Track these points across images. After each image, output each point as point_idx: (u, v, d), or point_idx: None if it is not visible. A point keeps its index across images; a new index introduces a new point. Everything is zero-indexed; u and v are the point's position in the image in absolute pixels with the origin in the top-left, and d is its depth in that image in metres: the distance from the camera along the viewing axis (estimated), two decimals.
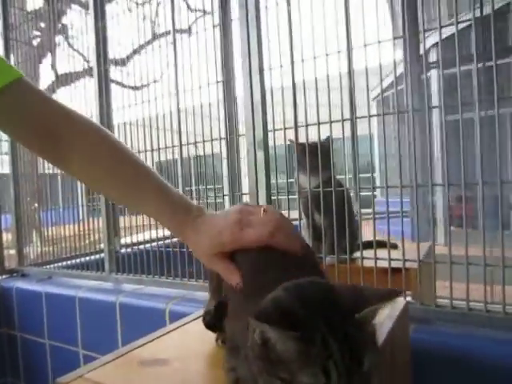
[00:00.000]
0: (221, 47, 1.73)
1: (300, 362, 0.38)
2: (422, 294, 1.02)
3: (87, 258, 1.78)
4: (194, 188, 1.68)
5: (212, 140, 1.40)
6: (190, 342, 0.74)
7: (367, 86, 1.10)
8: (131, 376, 0.63)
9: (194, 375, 0.63)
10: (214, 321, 0.68)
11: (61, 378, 0.62)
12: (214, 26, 1.51)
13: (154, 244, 1.53)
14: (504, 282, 0.91)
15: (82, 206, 1.88)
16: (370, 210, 1.11)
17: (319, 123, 1.12)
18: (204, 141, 1.41)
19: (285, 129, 1.17)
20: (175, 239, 1.45)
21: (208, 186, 1.56)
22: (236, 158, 1.57)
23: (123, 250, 1.63)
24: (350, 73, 1.12)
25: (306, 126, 1.15)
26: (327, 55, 1.12)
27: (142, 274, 1.49)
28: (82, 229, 1.83)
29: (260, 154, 1.19)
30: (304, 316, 0.39)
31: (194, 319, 0.83)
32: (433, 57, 2.59)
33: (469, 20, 0.98)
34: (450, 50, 1.06)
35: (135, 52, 1.78)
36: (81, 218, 1.88)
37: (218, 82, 1.43)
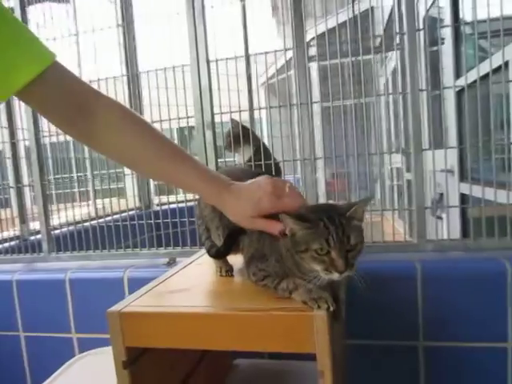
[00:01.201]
0: (124, 44, 1.86)
1: (311, 238, 0.65)
2: None
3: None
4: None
5: None
6: (201, 274, 0.93)
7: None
8: (165, 300, 0.80)
9: (213, 293, 0.83)
10: (222, 250, 0.88)
11: (112, 307, 0.76)
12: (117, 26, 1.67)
13: (95, 221, 1.61)
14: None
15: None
16: None
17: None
18: None
19: (231, 112, 1.39)
20: (124, 214, 1.55)
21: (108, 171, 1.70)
22: None
23: (64, 230, 1.65)
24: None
25: (251, 109, 1.38)
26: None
27: (88, 250, 1.56)
28: None
29: (209, 134, 1.39)
30: (313, 217, 0.67)
31: (196, 259, 1.02)
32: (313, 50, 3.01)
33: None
34: (327, 44, 1.39)
35: None
36: None
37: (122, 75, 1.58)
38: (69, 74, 0.72)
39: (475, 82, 1.31)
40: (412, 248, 1.29)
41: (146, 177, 0.77)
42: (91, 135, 0.74)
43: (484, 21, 1.27)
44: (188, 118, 1.42)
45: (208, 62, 1.37)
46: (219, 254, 0.89)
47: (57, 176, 1.77)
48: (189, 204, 1.58)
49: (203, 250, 1.18)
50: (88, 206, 2.06)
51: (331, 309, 0.65)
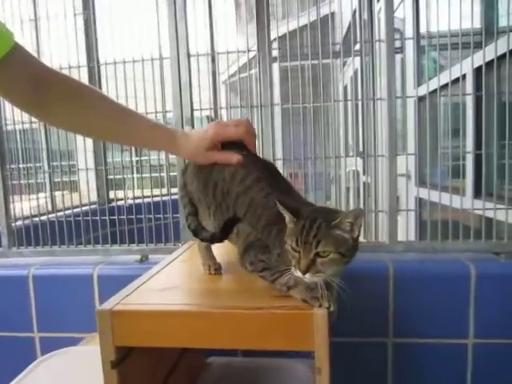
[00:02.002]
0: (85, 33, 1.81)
1: (290, 233, 0.68)
2: None
3: None
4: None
5: None
6: (188, 272, 0.92)
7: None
8: (157, 298, 0.78)
9: (206, 291, 0.82)
10: (219, 236, 0.84)
11: (101, 306, 0.73)
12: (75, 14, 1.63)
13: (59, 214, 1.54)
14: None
15: None
16: None
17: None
18: None
19: (210, 109, 1.38)
20: (86, 207, 1.50)
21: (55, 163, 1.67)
22: None
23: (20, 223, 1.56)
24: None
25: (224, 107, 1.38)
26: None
27: (53, 245, 1.48)
28: None
29: (187, 130, 1.36)
30: (303, 214, 0.68)
31: (178, 256, 1.00)
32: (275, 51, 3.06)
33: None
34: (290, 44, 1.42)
35: None
36: None
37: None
38: (28, 54, 0.74)
39: (435, 90, 1.38)
40: (383, 248, 1.35)
41: (99, 138, 0.92)
42: (49, 111, 0.78)
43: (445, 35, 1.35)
44: (165, 112, 1.39)
45: (189, 57, 1.35)
46: (214, 240, 0.85)
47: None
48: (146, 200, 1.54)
49: (183, 247, 1.17)
50: (34, 199, 1.95)
51: (332, 308, 0.67)
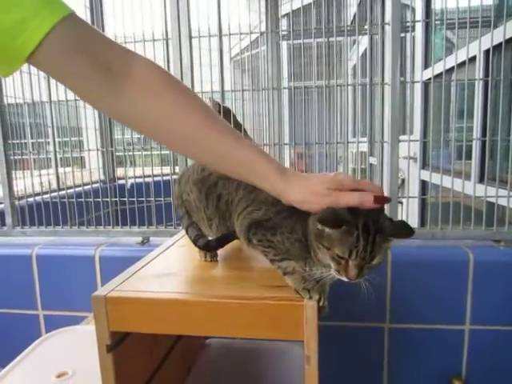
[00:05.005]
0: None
1: (338, 242, 0.63)
2: None
3: None
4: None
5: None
6: (186, 258, 0.93)
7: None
8: (152, 285, 0.79)
9: (201, 279, 0.83)
10: (213, 245, 0.87)
11: (97, 291, 0.74)
12: None
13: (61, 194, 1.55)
14: None
15: None
16: None
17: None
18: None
19: (212, 92, 1.36)
20: (87, 186, 1.51)
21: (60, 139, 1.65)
22: None
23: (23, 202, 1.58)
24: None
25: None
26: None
27: (56, 225, 1.50)
28: None
29: None
30: (352, 219, 0.63)
31: (177, 240, 1.01)
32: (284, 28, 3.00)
33: None
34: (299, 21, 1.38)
35: None
36: None
37: None
38: (92, 29, 0.59)
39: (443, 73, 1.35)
40: None
41: (190, 155, 0.64)
42: (124, 105, 0.62)
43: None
44: None
45: (190, 38, 1.33)
46: (209, 248, 0.87)
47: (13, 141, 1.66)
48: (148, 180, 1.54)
49: (183, 231, 1.17)
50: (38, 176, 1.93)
51: (322, 303, 0.67)
